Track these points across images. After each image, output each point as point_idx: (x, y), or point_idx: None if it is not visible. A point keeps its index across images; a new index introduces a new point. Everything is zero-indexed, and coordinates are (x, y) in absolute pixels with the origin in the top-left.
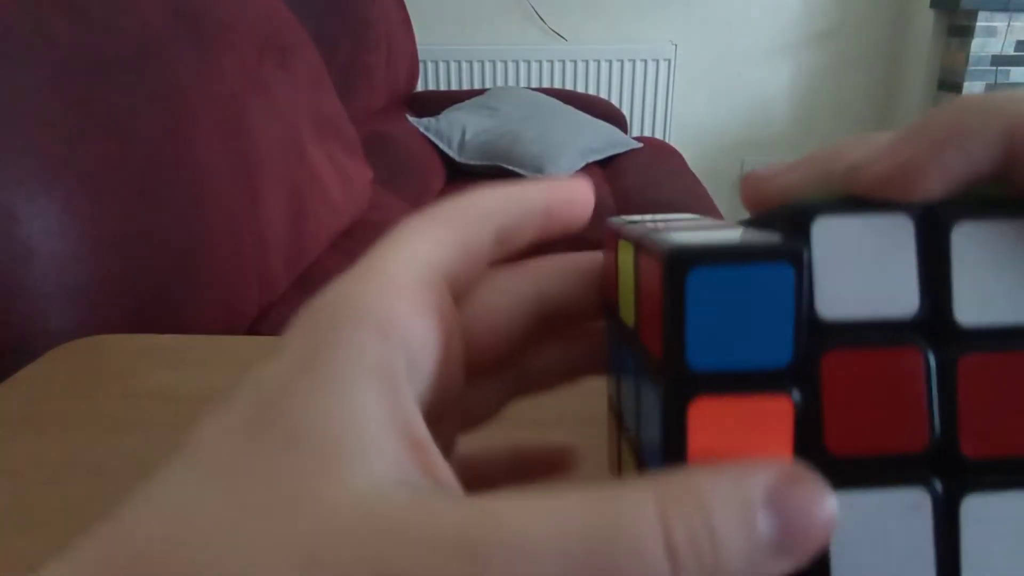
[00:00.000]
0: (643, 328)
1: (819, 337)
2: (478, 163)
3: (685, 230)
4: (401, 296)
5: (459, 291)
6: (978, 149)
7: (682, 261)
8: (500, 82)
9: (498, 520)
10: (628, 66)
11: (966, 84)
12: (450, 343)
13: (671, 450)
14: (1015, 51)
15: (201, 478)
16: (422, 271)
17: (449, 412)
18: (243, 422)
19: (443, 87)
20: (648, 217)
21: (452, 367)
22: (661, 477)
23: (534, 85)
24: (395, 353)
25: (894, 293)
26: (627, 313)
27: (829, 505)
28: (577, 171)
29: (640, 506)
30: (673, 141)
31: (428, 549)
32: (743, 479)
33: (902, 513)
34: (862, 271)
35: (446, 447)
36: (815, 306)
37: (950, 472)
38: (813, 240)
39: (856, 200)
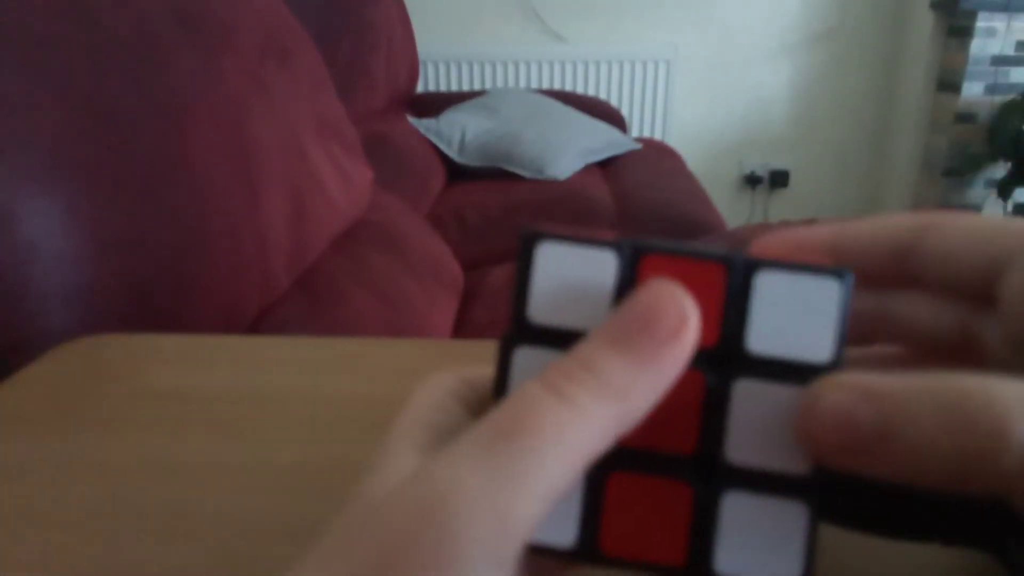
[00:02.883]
0: None
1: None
2: (478, 164)
3: None
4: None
5: None
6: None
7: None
8: (500, 83)
9: None
10: (628, 67)
11: (965, 84)
12: None
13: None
14: (1015, 51)
15: None
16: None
17: None
18: None
19: (443, 88)
20: None
21: None
22: None
23: (534, 86)
24: None
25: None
26: None
27: None
28: (577, 172)
29: None
30: (672, 142)
31: None
32: None
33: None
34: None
35: None
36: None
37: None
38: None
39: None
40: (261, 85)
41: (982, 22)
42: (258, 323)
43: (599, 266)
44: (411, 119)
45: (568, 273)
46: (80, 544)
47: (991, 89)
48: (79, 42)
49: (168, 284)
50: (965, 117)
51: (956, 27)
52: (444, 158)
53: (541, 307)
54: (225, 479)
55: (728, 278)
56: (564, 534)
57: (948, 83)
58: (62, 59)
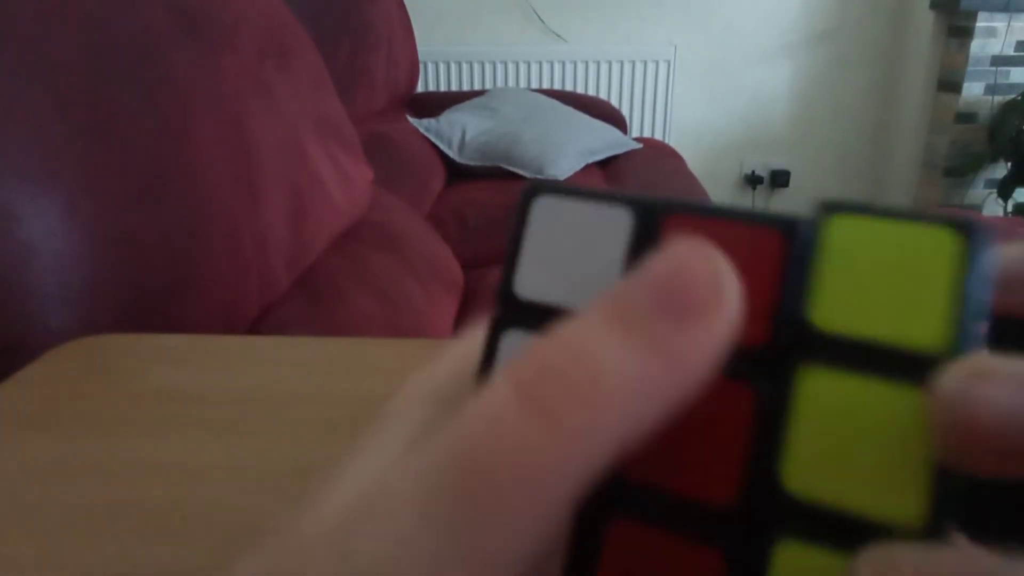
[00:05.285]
0: None
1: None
2: (478, 164)
3: None
4: None
5: None
6: None
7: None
8: (500, 83)
9: None
10: (628, 67)
11: (965, 85)
12: None
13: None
14: (1015, 51)
15: None
16: None
17: None
18: None
19: (443, 88)
20: None
21: None
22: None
23: (534, 86)
24: None
25: None
26: None
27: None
28: (577, 172)
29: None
30: (672, 142)
31: None
32: None
33: None
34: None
35: None
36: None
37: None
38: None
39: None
40: (261, 85)
41: (982, 22)
42: (258, 323)
43: (610, 229)
44: (411, 119)
45: (571, 237)
46: (80, 544)
47: (991, 89)
48: (79, 42)
49: (168, 284)
50: (965, 117)
51: (956, 27)
52: (444, 158)
53: (533, 280)
54: (225, 479)
55: (788, 250)
56: None
57: (948, 83)
58: (62, 60)
